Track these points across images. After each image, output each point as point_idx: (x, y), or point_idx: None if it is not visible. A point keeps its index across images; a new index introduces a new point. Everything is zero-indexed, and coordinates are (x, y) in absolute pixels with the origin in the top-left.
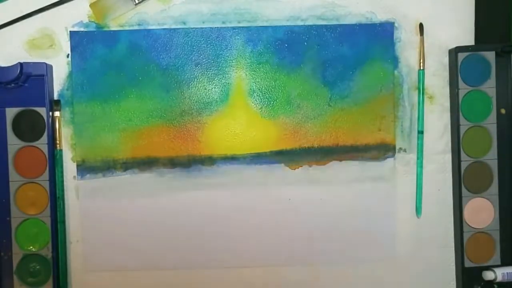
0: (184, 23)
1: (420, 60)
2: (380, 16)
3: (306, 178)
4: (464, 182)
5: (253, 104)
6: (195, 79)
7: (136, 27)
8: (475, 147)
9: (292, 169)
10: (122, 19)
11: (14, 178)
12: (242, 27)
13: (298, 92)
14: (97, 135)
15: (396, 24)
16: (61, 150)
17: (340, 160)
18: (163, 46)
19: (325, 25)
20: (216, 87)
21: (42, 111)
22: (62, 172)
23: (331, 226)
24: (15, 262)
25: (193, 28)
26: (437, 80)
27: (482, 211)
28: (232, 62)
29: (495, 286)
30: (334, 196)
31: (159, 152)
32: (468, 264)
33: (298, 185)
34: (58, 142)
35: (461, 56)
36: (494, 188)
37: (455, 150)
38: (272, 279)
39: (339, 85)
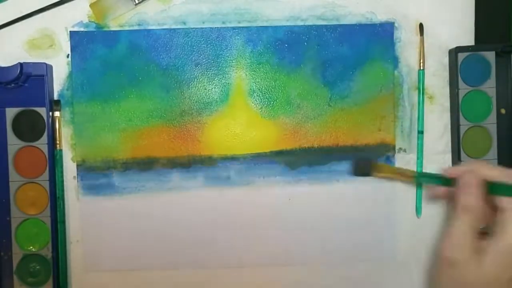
0: (184, 23)
1: (420, 60)
2: (380, 16)
3: (306, 178)
4: None
5: (253, 104)
6: (195, 79)
7: (136, 27)
8: (475, 147)
9: (292, 169)
10: (122, 19)
11: (14, 178)
12: (242, 27)
13: (298, 92)
14: (97, 135)
15: (396, 24)
16: (61, 150)
17: (340, 160)
18: (163, 46)
19: (325, 25)
20: (216, 87)
21: (42, 111)
22: (62, 172)
23: (331, 226)
24: (15, 262)
25: (193, 28)
26: (437, 80)
27: None
28: (232, 62)
29: None
30: (334, 197)
31: (159, 152)
32: None
33: (298, 185)
34: (58, 142)
35: (461, 56)
36: None
37: (455, 150)
38: (272, 279)
39: (339, 85)
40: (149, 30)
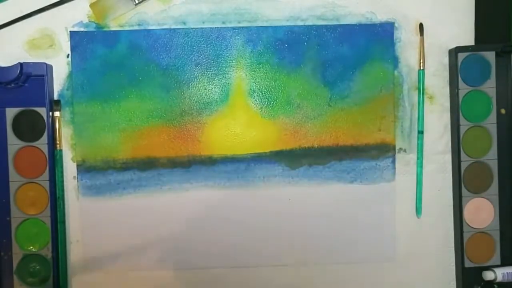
0: (184, 23)
1: (420, 60)
2: (380, 16)
3: (306, 178)
4: (464, 182)
5: (253, 104)
6: (195, 79)
7: (136, 27)
8: (475, 147)
9: (292, 169)
10: (122, 19)
11: (14, 178)
12: (242, 27)
13: (298, 92)
14: (97, 135)
15: (396, 24)
16: (61, 150)
17: (340, 160)
18: (163, 46)
19: (325, 25)
20: (216, 87)
21: (42, 111)
22: (62, 172)
23: (331, 226)
24: (15, 262)
25: (193, 28)
26: (437, 80)
27: (482, 211)
28: (232, 62)
29: (495, 286)
30: (334, 196)
31: (159, 152)
32: (468, 264)
33: (298, 185)
34: (58, 142)
35: (461, 56)
36: (494, 188)
37: (455, 150)
38: (271, 279)
39: (339, 85)
40: (149, 30)
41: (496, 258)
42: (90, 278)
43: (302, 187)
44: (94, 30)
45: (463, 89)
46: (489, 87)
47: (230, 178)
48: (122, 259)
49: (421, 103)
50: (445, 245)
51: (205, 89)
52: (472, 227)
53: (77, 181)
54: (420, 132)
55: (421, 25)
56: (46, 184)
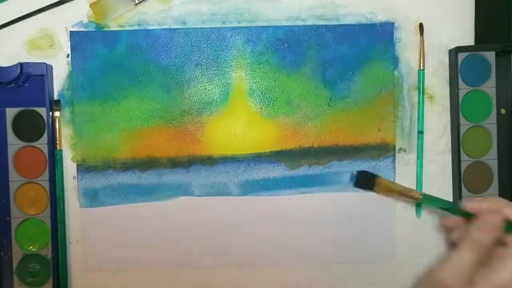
0: (184, 23)
1: (420, 60)
2: (380, 16)
3: (306, 178)
4: (464, 182)
5: (253, 104)
6: (195, 79)
7: (136, 27)
8: (475, 147)
9: (292, 169)
10: (122, 19)
11: (14, 178)
12: (242, 27)
13: (298, 92)
14: (97, 135)
15: (396, 24)
16: (61, 150)
17: (340, 160)
18: (163, 46)
19: (325, 25)
20: (216, 87)
21: (42, 111)
22: (62, 172)
23: (331, 226)
24: (15, 262)
25: (193, 28)
26: (437, 80)
27: None
28: (232, 62)
29: None
30: (334, 196)
31: (159, 152)
32: None
33: (298, 185)
34: (58, 142)
35: (461, 56)
36: (494, 188)
37: (455, 150)
38: (271, 279)
39: (339, 85)
40: (149, 30)
41: None
42: (90, 278)
43: (302, 187)
44: (94, 30)
45: (463, 89)
46: (489, 87)
47: (230, 178)
48: (122, 259)
49: (421, 103)
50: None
51: (205, 89)
52: None
53: (77, 181)
54: (420, 132)
55: (421, 25)
56: (46, 184)
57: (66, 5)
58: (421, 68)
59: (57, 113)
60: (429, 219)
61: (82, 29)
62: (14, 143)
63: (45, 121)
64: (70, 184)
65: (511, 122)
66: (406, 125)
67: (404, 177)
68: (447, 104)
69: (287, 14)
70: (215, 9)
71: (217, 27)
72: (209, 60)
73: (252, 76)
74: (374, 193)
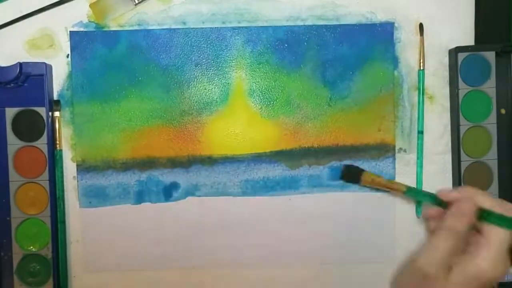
0: (184, 23)
1: (420, 60)
2: (380, 16)
3: (306, 178)
4: (464, 182)
5: (253, 104)
6: (195, 79)
7: (136, 27)
8: (475, 147)
9: (292, 169)
10: (122, 19)
11: (14, 178)
12: (242, 27)
13: (298, 92)
14: (97, 135)
15: (396, 24)
16: (61, 150)
17: (340, 160)
18: (163, 46)
19: (325, 25)
20: (216, 87)
21: (41, 111)
22: (62, 172)
23: (331, 226)
24: (15, 262)
25: (193, 28)
26: (437, 80)
27: None
28: (232, 62)
29: (495, 286)
30: (334, 197)
31: (159, 152)
32: None
33: (298, 185)
34: (58, 142)
35: (461, 56)
36: (494, 188)
37: (455, 150)
38: (271, 279)
39: (339, 85)
40: (149, 30)
41: None
42: (90, 278)
43: (302, 187)
44: (94, 30)
45: (463, 89)
46: (489, 87)
47: (230, 178)
48: (122, 259)
49: (421, 103)
50: None
51: (205, 89)
52: None
53: (77, 181)
54: (420, 132)
55: (421, 25)
56: (46, 184)
57: (66, 5)
58: (421, 68)
59: (57, 113)
60: None
61: (82, 29)
62: (14, 143)
63: (45, 121)
64: (70, 184)
65: (511, 122)
66: (406, 125)
67: (404, 177)
68: (447, 104)
69: (287, 14)
70: (215, 9)
71: (217, 27)
72: (209, 60)
73: (252, 76)
74: (374, 193)
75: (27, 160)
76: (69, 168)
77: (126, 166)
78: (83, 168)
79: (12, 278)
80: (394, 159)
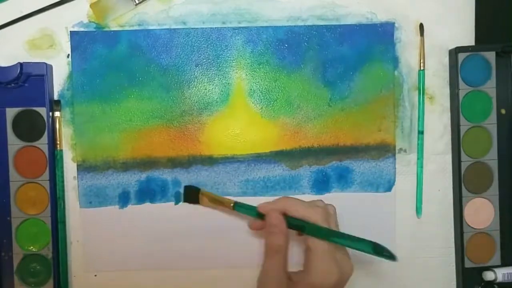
0: (184, 24)
1: (420, 60)
2: (381, 17)
3: (306, 178)
4: (464, 182)
5: (253, 105)
6: (195, 80)
7: (136, 27)
8: (475, 148)
9: (292, 169)
10: (122, 19)
11: (14, 178)
12: (242, 27)
13: (298, 93)
14: (97, 135)
15: (396, 25)
16: (61, 150)
17: (340, 160)
18: (163, 47)
19: (325, 26)
20: (216, 87)
21: (42, 111)
22: (62, 172)
23: None
24: (15, 262)
25: (193, 28)
26: (437, 80)
27: (482, 211)
28: (232, 62)
29: (495, 286)
30: (334, 197)
31: (159, 152)
32: (468, 264)
33: (298, 185)
34: (58, 142)
35: (462, 56)
36: (494, 188)
37: (455, 150)
38: None
39: (339, 85)
40: (149, 30)
41: (496, 259)
42: (90, 278)
43: (302, 187)
44: (94, 30)
45: (463, 89)
46: (489, 87)
47: (230, 178)
48: (122, 259)
49: (421, 103)
50: (445, 245)
51: (205, 89)
52: (472, 227)
53: (77, 181)
54: (420, 132)
55: (421, 25)
56: (46, 184)
57: (66, 5)
58: (421, 68)
59: (57, 113)
60: (429, 219)
61: (82, 29)
62: (14, 143)
63: (45, 121)
64: (70, 184)
65: (511, 122)
66: (406, 125)
67: (405, 178)
68: (447, 104)
69: (287, 14)
70: (215, 9)
71: (217, 27)
72: (209, 60)
73: (252, 76)
74: (374, 193)
75: (27, 160)
76: (70, 168)
77: (126, 166)
78: (84, 168)
79: (12, 278)
80: (395, 159)
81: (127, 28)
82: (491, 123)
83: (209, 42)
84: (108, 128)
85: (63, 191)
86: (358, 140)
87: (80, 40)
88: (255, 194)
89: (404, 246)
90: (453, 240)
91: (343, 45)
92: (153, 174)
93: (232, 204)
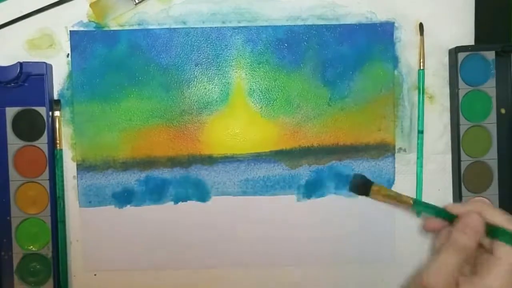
0: (184, 23)
1: (420, 60)
2: (380, 16)
3: (306, 178)
4: (464, 182)
5: (253, 104)
6: (195, 79)
7: (136, 27)
8: (475, 147)
9: (292, 169)
10: (122, 18)
11: (14, 177)
12: (242, 27)
13: (298, 92)
14: (97, 134)
15: (396, 24)
16: (61, 149)
17: (340, 160)
18: (163, 46)
19: (325, 25)
20: (216, 87)
21: (42, 110)
22: (62, 171)
23: (331, 226)
24: (15, 261)
25: (193, 28)
26: (437, 80)
27: None
28: (232, 62)
29: None
30: (334, 196)
31: (159, 152)
32: None
33: (298, 185)
34: (58, 141)
35: (461, 56)
36: (494, 188)
37: (455, 150)
38: (271, 279)
39: (339, 85)
40: (149, 30)
41: None
42: (90, 277)
43: (302, 187)
44: (94, 29)
45: (463, 89)
46: (489, 87)
47: (230, 178)
48: (122, 259)
49: (421, 103)
50: None
51: (205, 88)
52: None
53: (77, 180)
54: (420, 132)
55: (421, 25)
56: (46, 184)
57: (66, 5)
58: (421, 68)
59: (57, 113)
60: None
61: (82, 29)
62: (14, 142)
63: (45, 120)
64: (70, 184)
65: (511, 122)
66: (406, 125)
67: (404, 177)
68: (447, 104)
69: (287, 14)
70: (215, 8)
71: (217, 27)
72: (209, 60)
73: (252, 76)
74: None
75: (27, 159)
76: (69, 167)
77: (126, 166)
78: (83, 167)
79: (12, 277)
80: (394, 158)
81: (127, 27)
82: (490, 123)
83: (209, 41)
84: (108, 128)
85: (62, 190)
86: (358, 139)
87: (79, 40)
88: (255, 194)
89: (404, 247)
90: None
91: (342, 45)
92: (152, 174)
93: (411, 202)
